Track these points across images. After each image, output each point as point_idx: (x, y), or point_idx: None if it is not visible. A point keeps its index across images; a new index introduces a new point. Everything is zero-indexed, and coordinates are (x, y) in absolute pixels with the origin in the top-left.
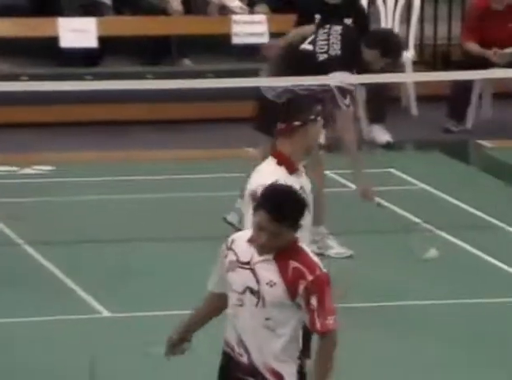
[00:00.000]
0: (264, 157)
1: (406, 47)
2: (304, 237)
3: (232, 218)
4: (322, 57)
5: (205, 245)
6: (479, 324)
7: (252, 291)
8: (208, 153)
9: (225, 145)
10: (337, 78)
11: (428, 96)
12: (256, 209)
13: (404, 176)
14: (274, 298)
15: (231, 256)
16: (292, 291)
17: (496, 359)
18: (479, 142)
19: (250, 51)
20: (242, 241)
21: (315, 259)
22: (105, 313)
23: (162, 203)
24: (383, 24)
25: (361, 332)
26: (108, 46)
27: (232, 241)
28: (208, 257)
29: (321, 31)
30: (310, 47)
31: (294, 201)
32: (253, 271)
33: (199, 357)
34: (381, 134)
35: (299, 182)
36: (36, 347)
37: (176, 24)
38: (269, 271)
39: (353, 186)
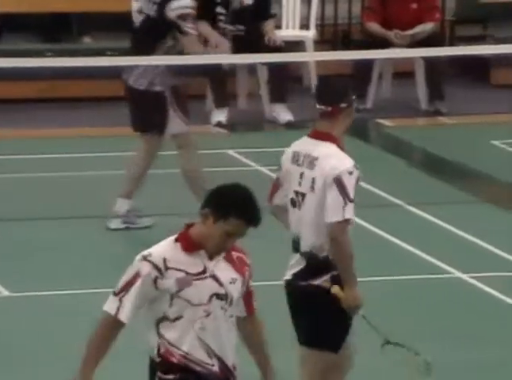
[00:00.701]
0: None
1: (307, 26)
2: None
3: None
4: None
5: (102, 224)
6: (380, 302)
7: (218, 296)
8: (108, 130)
9: (124, 123)
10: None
11: (329, 76)
12: (225, 217)
13: None
14: (237, 293)
15: (177, 274)
16: (244, 280)
17: (398, 336)
18: (379, 120)
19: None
20: (177, 255)
21: None
22: (5, 293)
23: (60, 181)
24: (284, 4)
25: None
26: (8, 23)
27: (165, 260)
28: (103, 236)
29: None
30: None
31: (255, 199)
32: (214, 276)
33: None
34: (283, 114)
35: None
36: None
37: (77, 1)
38: (226, 270)
39: (254, 164)
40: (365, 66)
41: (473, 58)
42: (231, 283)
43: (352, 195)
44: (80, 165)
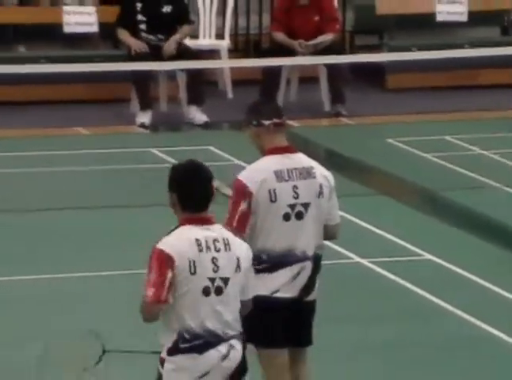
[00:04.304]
0: None
1: (222, 36)
2: None
3: None
4: None
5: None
6: None
7: None
8: (44, 131)
9: (58, 124)
10: None
11: (242, 81)
12: None
13: (221, 152)
14: None
15: None
16: None
17: None
18: (287, 121)
19: (81, 39)
20: None
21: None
22: None
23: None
24: (201, 16)
25: None
26: None
27: None
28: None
29: None
30: None
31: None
32: None
33: None
34: (199, 115)
35: None
36: None
37: (11, 14)
38: None
39: (174, 161)
40: (274, 73)
41: (371, 65)
42: None
43: None
44: (24, 163)
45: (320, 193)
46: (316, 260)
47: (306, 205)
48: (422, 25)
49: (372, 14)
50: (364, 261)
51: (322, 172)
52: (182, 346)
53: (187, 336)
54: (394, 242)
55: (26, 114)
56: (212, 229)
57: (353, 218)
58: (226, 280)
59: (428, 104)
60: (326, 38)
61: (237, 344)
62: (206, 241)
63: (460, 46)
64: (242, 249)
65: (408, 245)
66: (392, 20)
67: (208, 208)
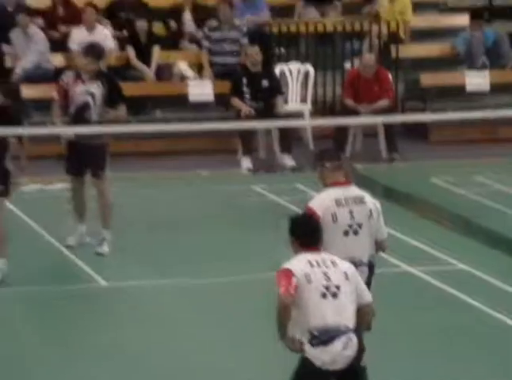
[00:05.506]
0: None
1: (305, 102)
2: None
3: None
4: None
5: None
6: None
7: None
8: (175, 174)
9: (185, 168)
10: None
11: (320, 135)
12: None
13: (305, 188)
14: None
15: None
16: None
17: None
18: (354, 165)
19: (202, 106)
20: None
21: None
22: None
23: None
24: (290, 87)
25: None
26: None
27: None
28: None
29: None
30: None
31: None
32: None
33: None
34: (288, 161)
35: None
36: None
37: (151, 87)
38: None
39: (271, 195)
40: (344, 129)
41: (417, 123)
42: None
43: None
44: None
45: (370, 216)
46: (370, 265)
47: (360, 224)
48: (456, 93)
49: (417, 86)
50: (412, 269)
51: (371, 200)
52: (314, 341)
53: (316, 332)
54: (434, 255)
55: (162, 161)
56: (320, 254)
57: (403, 236)
58: (338, 287)
59: (462, 152)
60: (384, 103)
61: (353, 337)
62: (317, 261)
63: (485, 108)
64: (345, 266)
65: (445, 257)
66: (433, 89)
67: (319, 243)
